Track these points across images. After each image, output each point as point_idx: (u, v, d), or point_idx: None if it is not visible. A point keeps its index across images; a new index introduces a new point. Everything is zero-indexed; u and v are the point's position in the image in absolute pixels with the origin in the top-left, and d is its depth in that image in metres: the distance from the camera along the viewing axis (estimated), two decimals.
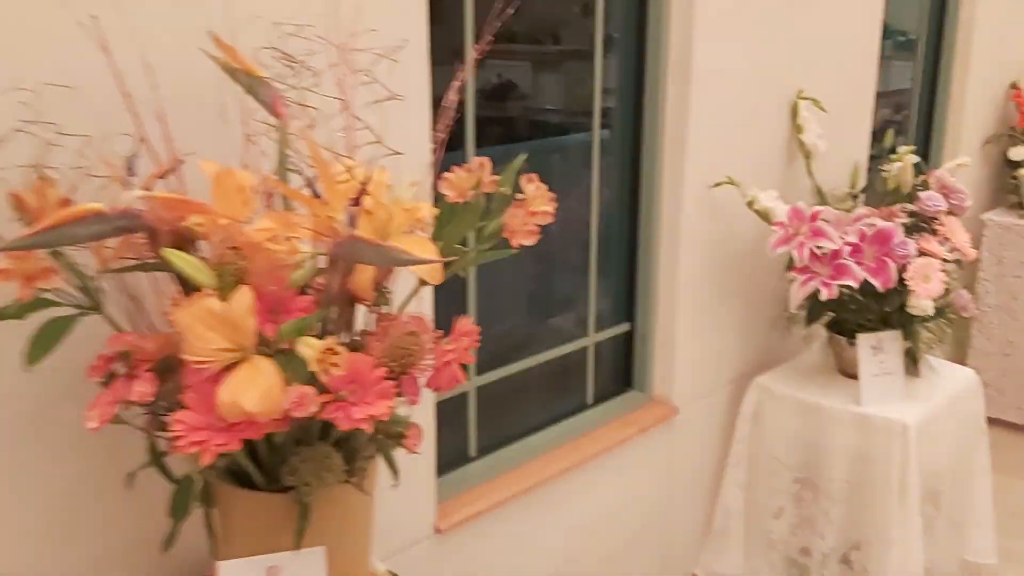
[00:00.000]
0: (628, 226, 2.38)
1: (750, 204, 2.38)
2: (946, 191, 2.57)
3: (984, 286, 3.78)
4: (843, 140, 2.84)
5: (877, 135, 3.85)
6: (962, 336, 3.79)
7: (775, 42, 2.49)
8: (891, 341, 2.43)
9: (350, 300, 1.11)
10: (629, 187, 2.36)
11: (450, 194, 1.15)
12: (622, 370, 2.46)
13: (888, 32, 3.79)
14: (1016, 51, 3.89)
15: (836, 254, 2.30)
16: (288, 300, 1.05)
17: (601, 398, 2.39)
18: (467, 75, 1.31)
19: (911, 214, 2.47)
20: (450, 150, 1.90)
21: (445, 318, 1.24)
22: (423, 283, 1.15)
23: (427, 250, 1.05)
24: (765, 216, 2.41)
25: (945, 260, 2.39)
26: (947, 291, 2.42)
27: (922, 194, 2.44)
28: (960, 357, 3.82)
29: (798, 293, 2.32)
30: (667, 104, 2.27)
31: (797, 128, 2.63)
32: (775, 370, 2.62)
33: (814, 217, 2.33)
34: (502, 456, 2.11)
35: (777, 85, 2.55)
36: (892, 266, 2.30)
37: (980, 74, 3.65)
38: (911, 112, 3.61)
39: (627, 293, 2.41)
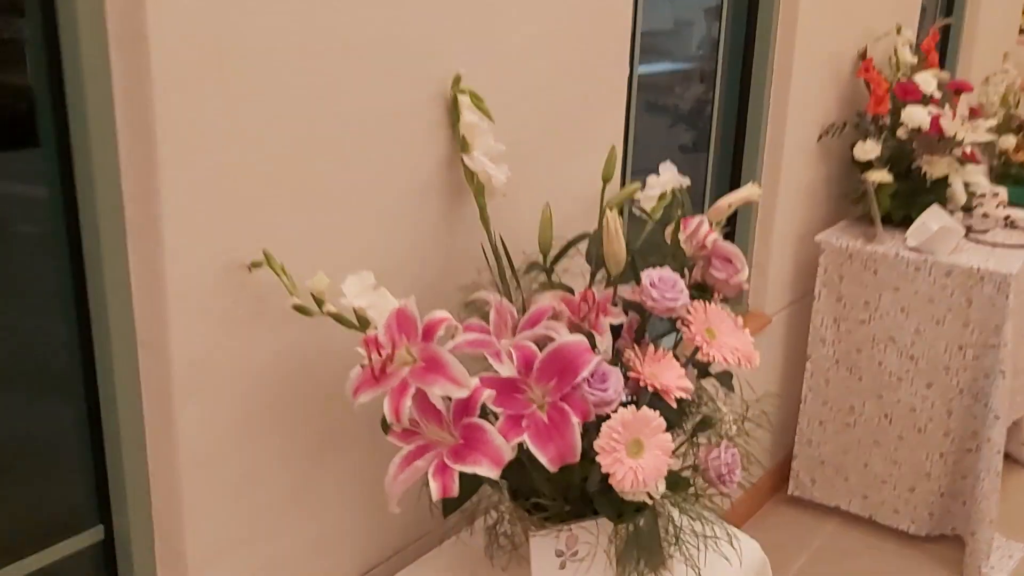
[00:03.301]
0: (79, 348, 1.24)
1: (307, 308, 1.25)
2: (709, 257, 1.50)
3: (819, 332, 2.77)
4: (568, 163, 1.75)
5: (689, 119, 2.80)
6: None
7: None
8: (592, 539, 1.36)
9: None
10: (69, 278, 1.21)
11: None
12: None
13: None
14: (864, 7, 2.84)
15: (466, 406, 1.21)
16: None
17: None
18: None
19: (630, 307, 1.39)
20: None
21: None
22: None
23: None
24: (360, 323, 1.29)
25: (683, 399, 1.33)
26: (691, 451, 1.37)
27: (645, 276, 1.35)
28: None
29: (394, 483, 1.22)
30: (119, 116, 1.12)
31: (462, 144, 1.52)
32: (422, 562, 1.53)
33: (429, 332, 1.23)
34: None
35: (421, 66, 1.43)
36: (574, 424, 1.22)
37: (812, 37, 2.59)
38: (715, 95, 2.54)
39: (93, 472, 1.28)
